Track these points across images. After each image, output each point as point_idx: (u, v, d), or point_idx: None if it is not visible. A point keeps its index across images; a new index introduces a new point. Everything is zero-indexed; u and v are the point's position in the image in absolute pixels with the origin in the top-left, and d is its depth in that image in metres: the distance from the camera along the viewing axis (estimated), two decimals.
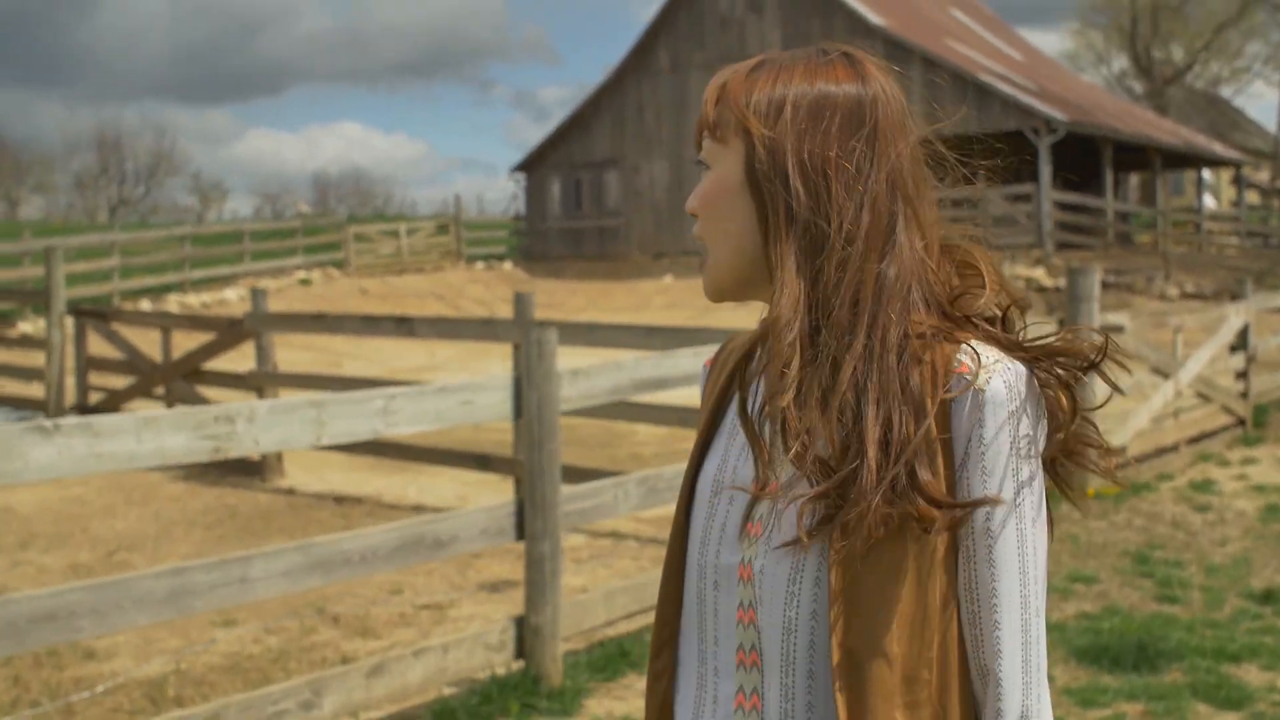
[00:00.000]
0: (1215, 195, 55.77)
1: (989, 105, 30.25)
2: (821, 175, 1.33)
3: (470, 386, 4.61)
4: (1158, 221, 31.87)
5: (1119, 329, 9.09)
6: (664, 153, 36.48)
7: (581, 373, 5.01)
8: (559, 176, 39.16)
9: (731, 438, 1.41)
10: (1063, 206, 31.27)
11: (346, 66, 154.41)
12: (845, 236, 1.30)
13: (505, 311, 34.48)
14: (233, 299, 28.92)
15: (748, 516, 1.34)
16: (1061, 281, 28.32)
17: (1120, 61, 65.95)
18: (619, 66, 37.09)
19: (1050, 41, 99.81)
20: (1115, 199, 38.32)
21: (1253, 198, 47.10)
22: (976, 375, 1.27)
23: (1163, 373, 9.88)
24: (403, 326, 9.03)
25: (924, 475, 1.23)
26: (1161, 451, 10.22)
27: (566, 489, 5.00)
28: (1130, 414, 9.54)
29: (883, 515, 1.22)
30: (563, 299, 35.73)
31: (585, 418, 8.03)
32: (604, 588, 5.28)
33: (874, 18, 31.85)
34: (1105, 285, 28.23)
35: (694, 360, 5.42)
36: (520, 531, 4.80)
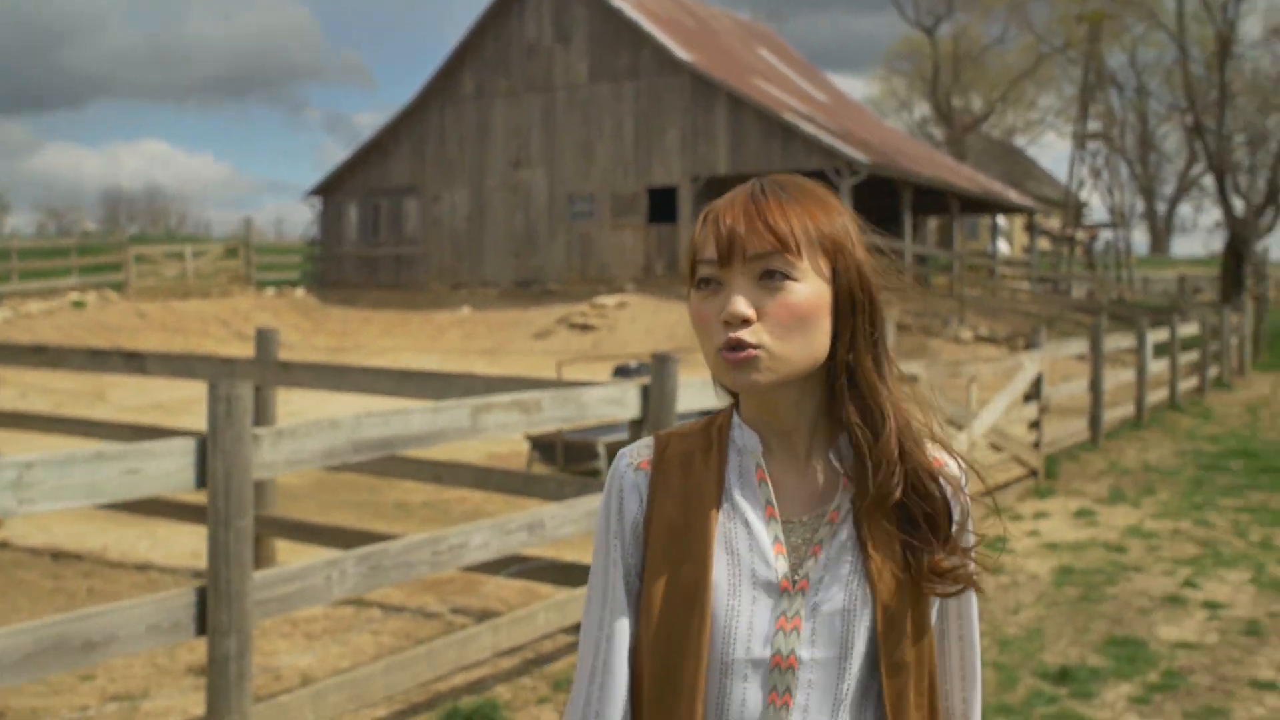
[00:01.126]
0: (1009, 241, 57.49)
1: (793, 145, 30.29)
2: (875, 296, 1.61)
3: (137, 452, 3.75)
4: (953, 265, 32.34)
5: (914, 378, 8.63)
6: (465, 181, 35.62)
7: (287, 433, 4.20)
8: (356, 202, 37.92)
9: (736, 537, 1.55)
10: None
11: (154, 82, 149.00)
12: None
13: (294, 340, 33.11)
14: None
15: (777, 612, 1.53)
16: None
17: (922, 108, 67.78)
18: (422, 91, 36.15)
19: (857, 87, 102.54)
20: (914, 241, 38.92)
21: (1044, 244, 48.59)
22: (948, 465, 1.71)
23: (957, 424, 9.50)
24: (132, 363, 8.03)
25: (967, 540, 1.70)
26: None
27: (264, 573, 4.18)
28: None
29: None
30: (356, 328, 34.48)
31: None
32: (314, 687, 4.46)
33: (681, 53, 31.65)
34: (903, 328, 28.41)
35: (429, 419, 4.66)
36: (202, 625, 3.96)
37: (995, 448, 10.56)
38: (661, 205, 32.67)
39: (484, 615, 6.53)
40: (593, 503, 5.82)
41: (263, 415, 7.39)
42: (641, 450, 1.63)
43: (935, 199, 35.75)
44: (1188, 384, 19.72)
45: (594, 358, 27.95)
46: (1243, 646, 6.30)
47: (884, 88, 72.76)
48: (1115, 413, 15.63)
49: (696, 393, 6.31)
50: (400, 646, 6.08)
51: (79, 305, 30.29)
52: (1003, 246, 51.28)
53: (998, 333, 28.06)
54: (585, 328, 30.41)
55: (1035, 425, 11.57)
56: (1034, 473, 11.44)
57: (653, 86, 32.34)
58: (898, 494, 1.56)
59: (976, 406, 10.00)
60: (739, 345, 1.50)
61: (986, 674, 5.85)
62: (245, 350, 31.09)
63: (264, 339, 7.46)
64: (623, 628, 1.57)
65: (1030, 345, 11.74)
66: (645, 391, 6.02)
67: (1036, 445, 11.50)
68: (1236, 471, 12.61)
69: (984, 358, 11.09)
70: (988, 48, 59.63)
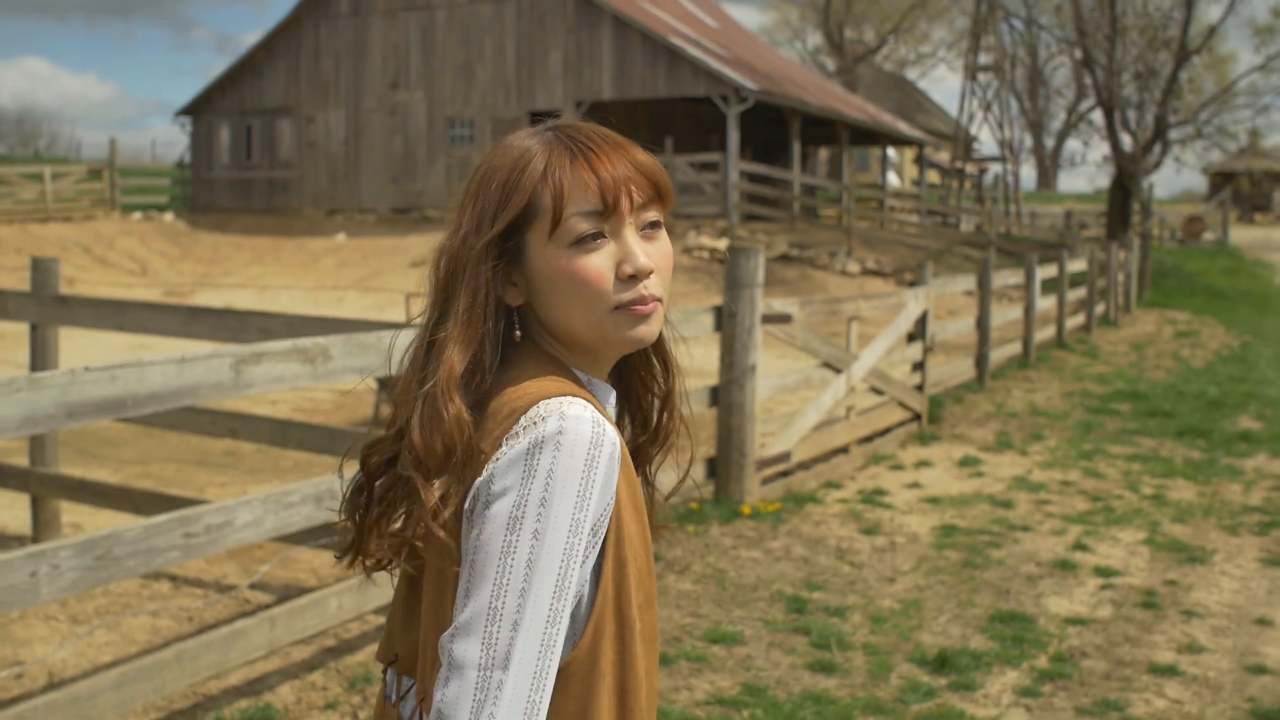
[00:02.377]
0: (899, 173, 57.27)
1: (679, 70, 29.33)
2: None
3: None
4: (842, 197, 31.76)
5: (785, 318, 7.88)
6: (340, 102, 34.13)
7: None
8: (229, 123, 36.21)
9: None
10: (750, 178, 30.77)
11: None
12: None
13: (159, 267, 31.58)
14: None
15: None
16: None
17: (815, 38, 67.08)
18: (297, 6, 34.42)
19: (750, 16, 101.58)
20: (803, 172, 38.29)
21: (933, 177, 48.34)
22: None
23: (834, 367, 8.77)
24: None
25: None
26: (833, 454, 9.15)
27: None
28: (797, 415, 8.38)
29: None
30: (227, 254, 32.96)
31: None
32: (15, 710, 3.56)
33: None
34: (788, 259, 27.79)
35: (174, 373, 3.74)
36: None
37: (876, 391, 9.87)
38: None
39: (287, 593, 5.65)
40: None
41: (41, 359, 6.39)
42: (609, 427, 1.40)
43: (825, 129, 35.11)
44: (1075, 321, 19.33)
45: None
46: (1139, 622, 5.66)
47: (776, 16, 72.04)
48: (1003, 351, 15.11)
49: None
50: (181, 634, 5.19)
51: None
52: (893, 179, 51.06)
53: (885, 266, 27.57)
54: None
55: (919, 367, 10.91)
56: (917, 417, 10.79)
57: (535, 6, 31.09)
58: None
59: (857, 347, 9.27)
60: (646, 298, 1.45)
61: (854, 661, 5.13)
62: (107, 277, 29.60)
63: (41, 270, 6.42)
64: (562, 636, 1.34)
65: (915, 282, 11.06)
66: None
67: (920, 388, 10.85)
68: (1125, 415, 12.12)
69: (869, 293, 10.37)
70: None
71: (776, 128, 33.23)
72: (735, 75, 28.76)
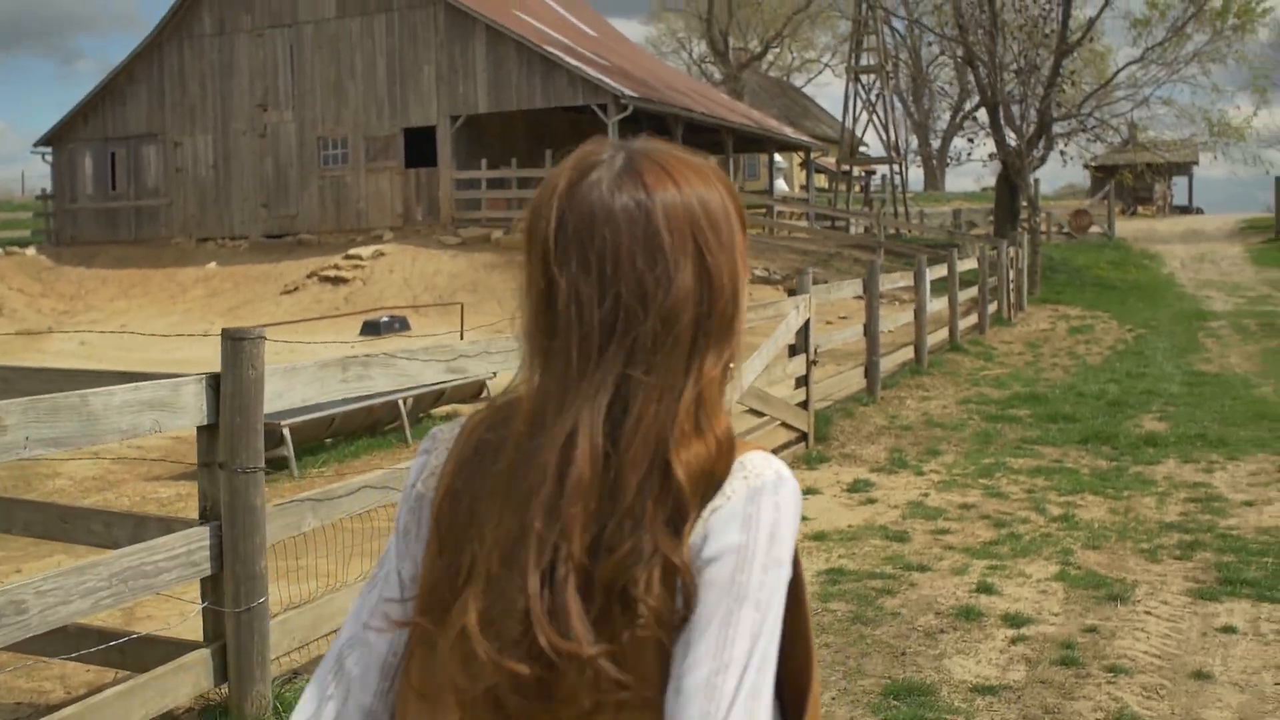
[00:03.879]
0: (788, 180, 56.86)
1: (555, 80, 28.46)
2: None
3: None
4: None
5: None
6: (208, 125, 32.74)
7: None
8: (91, 151, 34.59)
9: None
10: None
11: None
12: None
13: (18, 305, 29.87)
14: None
15: None
16: None
17: (700, 47, 66.62)
18: (159, 28, 33.04)
19: (633, 29, 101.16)
20: None
21: (821, 182, 47.97)
22: None
23: None
24: None
25: None
26: None
27: None
28: None
29: None
30: (92, 289, 31.37)
31: None
32: None
33: None
34: None
35: None
36: None
37: (756, 413, 8.99)
38: (419, 147, 30.46)
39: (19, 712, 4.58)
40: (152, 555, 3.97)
41: None
42: None
43: (710, 136, 34.39)
44: (968, 322, 18.70)
45: (346, 313, 25.77)
46: (1058, 686, 4.80)
47: (662, 28, 71.50)
48: (894, 358, 14.38)
49: (303, 382, 4.49)
50: None
51: None
52: (782, 185, 50.59)
53: (774, 273, 26.89)
54: (338, 280, 28.11)
55: (804, 381, 10.06)
56: (804, 437, 9.95)
57: (406, 20, 30.01)
58: None
59: None
60: None
61: None
62: None
63: None
64: None
65: (796, 290, 10.22)
66: (216, 386, 4.18)
67: (805, 405, 10.01)
68: (1025, 421, 11.41)
69: (754, 301, 9.47)
70: None
71: (661, 136, 32.41)
72: (613, 83, 27.93)
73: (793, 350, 10.09)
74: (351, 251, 29.17)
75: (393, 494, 5.16)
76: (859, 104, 38.16)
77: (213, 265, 31.10)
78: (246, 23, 31.81)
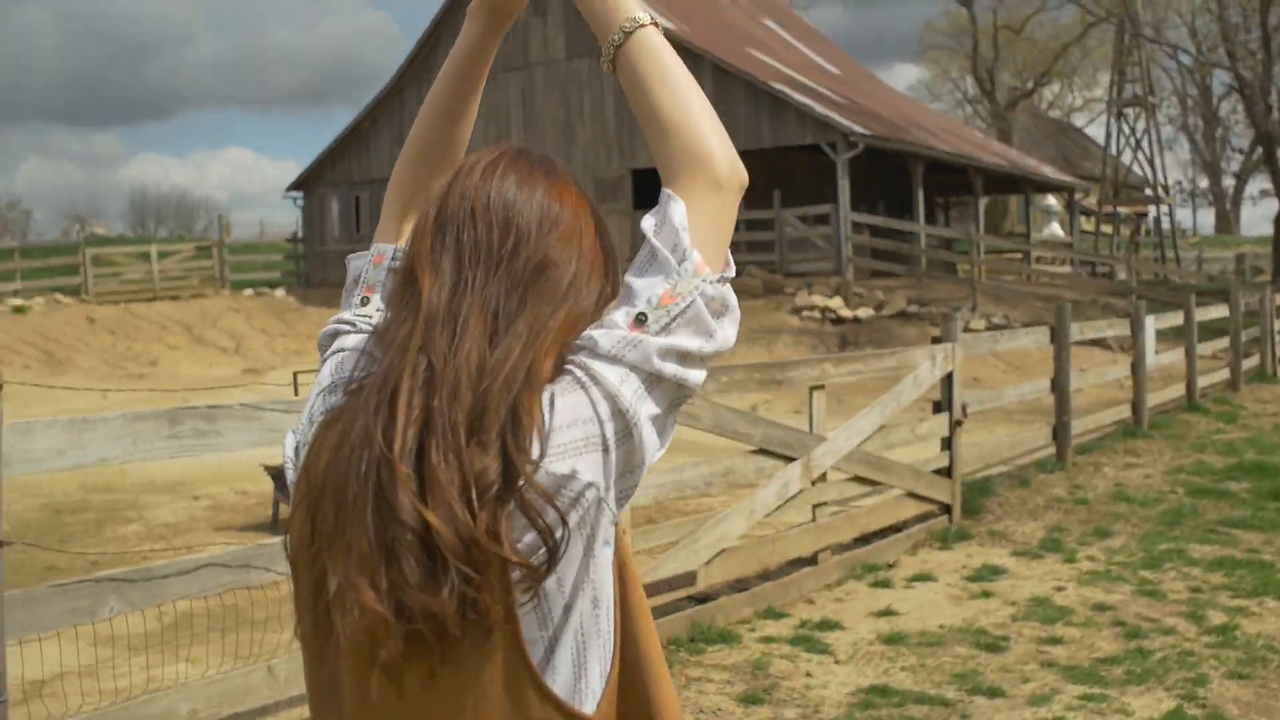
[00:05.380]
0: (1063, 224, 53.97)
1: (783, 117, 27.31)
2: None
3: None
4: (971, 248, 29.09)
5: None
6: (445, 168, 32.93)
7: None
8: (338, 195, 35.45)
9: None
10: (872, 231, 28.23)
11: (240, 93, 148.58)
12: None
13: (255, 344, 30.64)
14: None
15: None
16: (862, 312, 25.39)
17: (973, 86, 64.26)
18: (398, 74, 33.58)
19: (910, 73, 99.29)
20: (945, 223, 35.77)
21: (1088, 225, 45.11)
22: None
23: (780, 454, 6.57)
24: None
25: None
26: (790, 568, 6.93)
27: None
28: (711, 521, 6.19)
29: None
30: None
31: None
32: None
33: (661, 21, 28.59)
34: (906, 316, 25.31)
35: None
36: None
37: (866, 481, 7.58)
38: (647, 189, 29.80)
39: None
40: None
41: None
42: None
43: (955, 176, 32.52)
44: (1214, 377, 16.50)
45: None
46: None
47: (934, 69, 69.34)
48: (1101, 417, 12.56)
49: (103, 438, 3.59)
50: None
51: (20, 310, 28.01)
52: (1056, 229, 47.91)
53: (1014, 320, 24.90)
54: None
55: (948, 444, 8.58)
56: (945, 509, 8.46)
57: None
58: None
59: (823, 423, 7.03)
60: None
61: None
62: (193, 355, 28.76)
63: None
64: None
65: (940, 337, 8.76)
66: None
67: (947, 472, 8.51)
68: (1237, 497, 9.54)
69: (853, 353, 8.09)
70: (1031, 18, 55.98)
71: (902, 176, 30.81)
72: (844, 120, 26.57)
73: (937, 407, 8.65)
74: None
75: (251, 574, 4.14)
76: (1121, 140, 35.48)
77: None
78: None
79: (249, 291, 34.25)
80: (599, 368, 1.28)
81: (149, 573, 3.95)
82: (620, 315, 1.30)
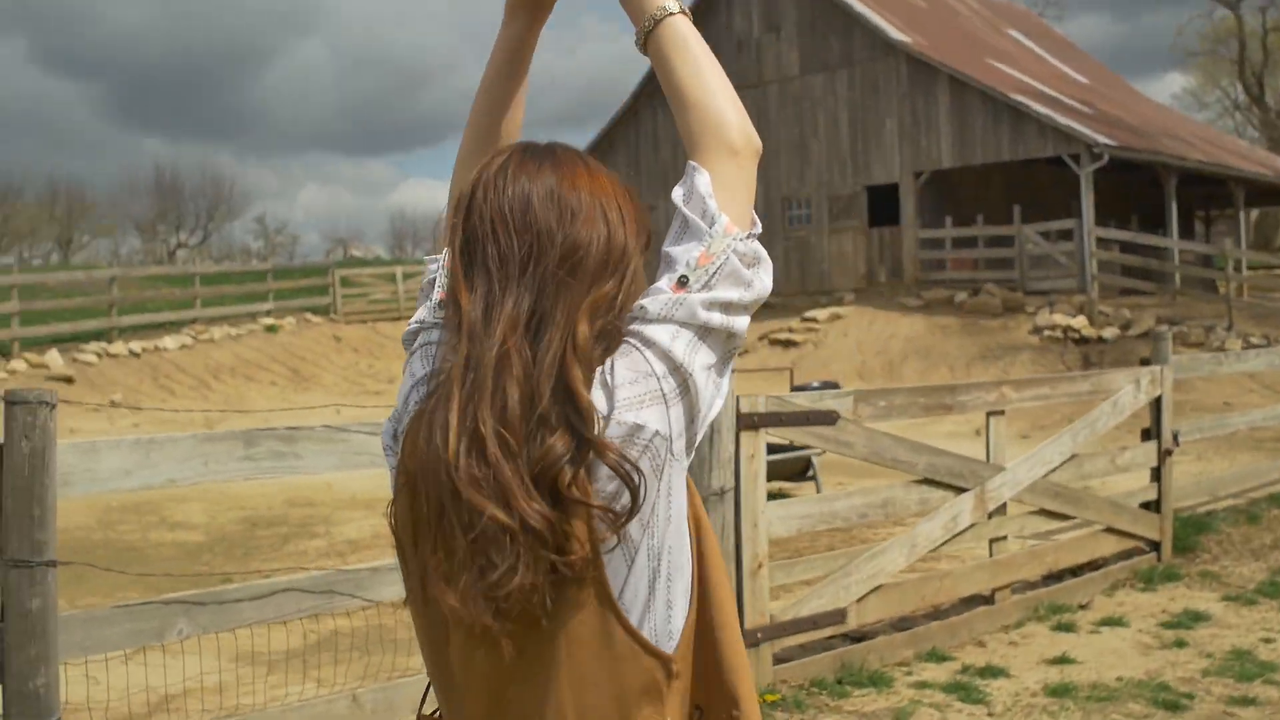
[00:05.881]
0: None
1: (1023, 129, 26.24)
2: None
3: None
4: (1229, 264, 27.29)
5: (828, 418, 5.38)
6: None
7: None
8: None
9: None
10: (1122, 247, 26.77)
11: None
12: None
13: None
14: (171, 347, 26.14)
15: None
16: (1107, 332, 24.12)
17: (1241, 93, 60.75)
18: (634, 95, 33.82)
19: (1176, 82, 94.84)
20: (1201, 239, 33.84)
21: None
22: None
23: (950, 485, 6.10)
24: None
25: None
26: (960, 607, 6.43)
27: None
28: (864, 555, 5.77)
29: None
30: None
31: None
32: None
33: (896, 34, 28.03)
34: (1161, 337, 23.95)
35: None
36: None
37: (1054, 515, 6.99)
38: (881, 205, 29.14)
39: None
40: None
41: None
42: None
43: (1213, 187, 30.65)
44: None
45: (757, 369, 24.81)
46: None
47: (1199, 76, 65.85)
48: None
49: (171, 458, 3.49)
50: None
51: (272, 330, 29.34)
52: None
53: (1277, 340, 23.22)
54: (788, 344, 27.22)
55: (1157, 474, 7.88)
56: (1154, 545, 7.76)
57: (867, 74, 28.86)
58: None
59: (1002, 451, 6.50)
60: None
61: None
62: None
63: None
64: None
65: (1150, 359, 8.06)
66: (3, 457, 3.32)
67: (1156, 505, 7.81)
68: None
69: (1042, 376, 7.48)
70: None
71: (1154, 189, 29.20)
72: (1087, 130, 25.33)
73: (1146, 435, 7.97)
74: (808, 314, 28.24)
75: (335, 600, 4.00)
76: None
77: None
78: None
79: None
80: (650, 330, 1.40)
81: (220, 596, 3.85)
82: (664, 281, 1.42)
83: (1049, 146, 25.97)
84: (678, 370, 1.38)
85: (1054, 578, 7.08)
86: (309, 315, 31.19)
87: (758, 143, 1.57)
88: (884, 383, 23.23)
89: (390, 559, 4.32)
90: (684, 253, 1.43)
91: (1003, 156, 26.82)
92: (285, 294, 31.07)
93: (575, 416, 1.33)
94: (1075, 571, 7.23)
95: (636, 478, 1.33)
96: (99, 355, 24.32)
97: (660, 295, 1.41)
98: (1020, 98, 26.30)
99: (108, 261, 54.75)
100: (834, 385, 22.01)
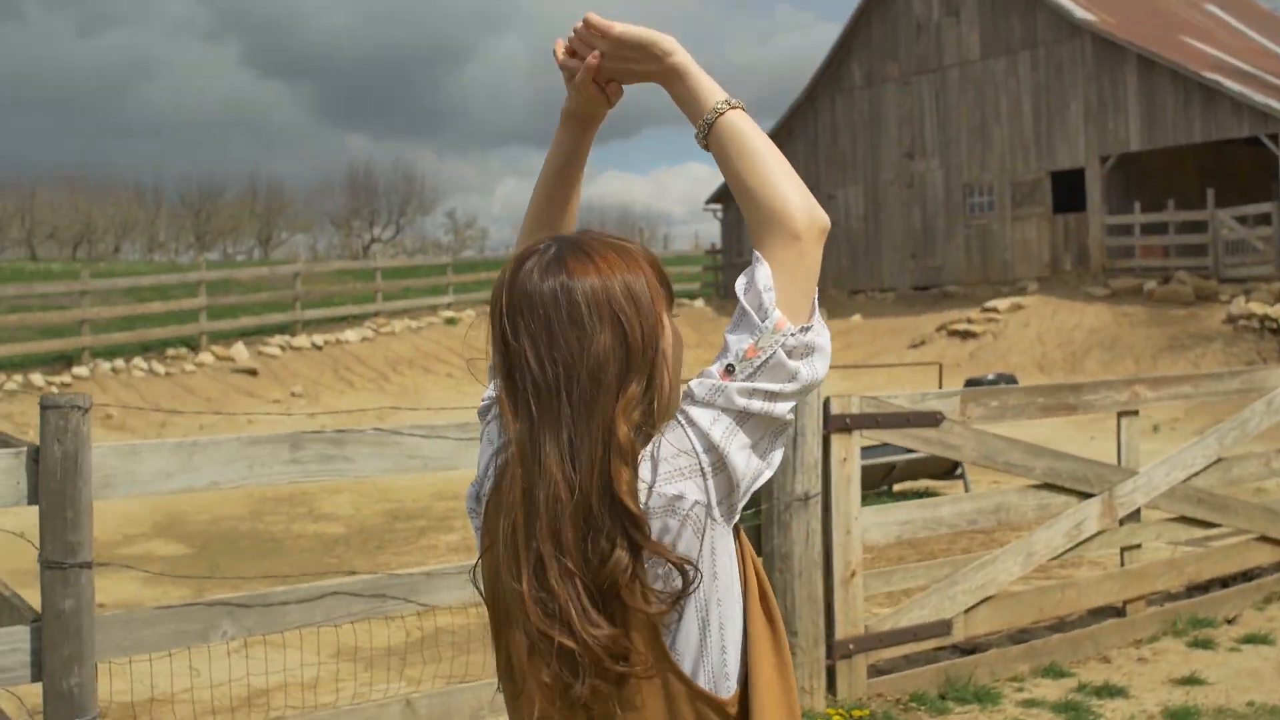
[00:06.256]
0: None
1: (1216, 108, 25.03)
2: None
3: None
4: None
5: (931, 419, 5.12)
6: (858, 177, 32.49)
7: None
8: None
9: None
10: None
11: None
12: None
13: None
14: (353, 339, 26.86)
15: None
16: None
17: None
18: (810, 85, 33.40)
19: None
20: None
21: None
22: None
23: (1076, 490, 5.75)
24: None
25: None
26: (1089, 619, 6.06)
27: None
28: (973, 564, 5.47)
29: None
30: None
31: None
32: None
33: (1080, 13, 27.00)
34: None
35: None
36: None
37: (1197, 522, 6.53)
38: (1066, 191, 28.12)
39: None
40: None
41: None
42: None
43: None
44: None
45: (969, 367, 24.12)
46: None
47: None
48: None
49: (213, 461, 3.50)
50: None
51: (451, 322, 29.90)
52: None
53: None
54: (967, 335, 26.49)
55: None
56: None
57: (1051, 55, 27.85)
58: None
59: (1134, 454, 6.10)
60: None
61: None
62: None
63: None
64: None
65: None
66: (35, 461, 3.36)
67: None
68: None
69: (1177, 374, 7.00)
70: None
71: None
72: None
73: None
74: (988, 304, 27.46)
75: (388, 604, 3.95)
76: None
77: (857, 318, 30.70)
78: (894, 71, 31.20)
79: None
80: (695, 412, 1.53)
81: (266, 599, 3.82)
82: (715, 367, 1.55)
83: (1244, 126, 24.69)
84: (714, 450, 1.51)
85: (1199, 589, 6.64)
86: (471, 311, 31.68)
87: (824, 222, 1.62)
88: (1064, 376, 22.43)
89: (449, 563, 4.25)
90: (736, 342, 1.55)
91: (1194, 138, 25.60)
92: (466, 287, 31.60)
93: (631, 526, 1.47)
94: (1226, 582, 6.77)
95: (691, 572, 1.49)
96: (282, 348, 25.09)
97: (708, 381, 1.54)
98: (1214, 75, 25.04)
99: (305, 257, 56.79)
100: (1010, 379, 21.32)
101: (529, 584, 1.48)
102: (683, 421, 1.53)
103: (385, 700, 4.09)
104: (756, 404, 1.52)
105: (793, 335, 1.54)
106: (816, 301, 1.61)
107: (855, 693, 4.96)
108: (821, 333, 1.59)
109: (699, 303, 35.24)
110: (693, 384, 1.55)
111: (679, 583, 1.49)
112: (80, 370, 20.96)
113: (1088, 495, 5.80)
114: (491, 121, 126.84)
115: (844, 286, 32.64)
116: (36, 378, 20.13)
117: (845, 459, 4.93)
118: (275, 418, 19.51)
